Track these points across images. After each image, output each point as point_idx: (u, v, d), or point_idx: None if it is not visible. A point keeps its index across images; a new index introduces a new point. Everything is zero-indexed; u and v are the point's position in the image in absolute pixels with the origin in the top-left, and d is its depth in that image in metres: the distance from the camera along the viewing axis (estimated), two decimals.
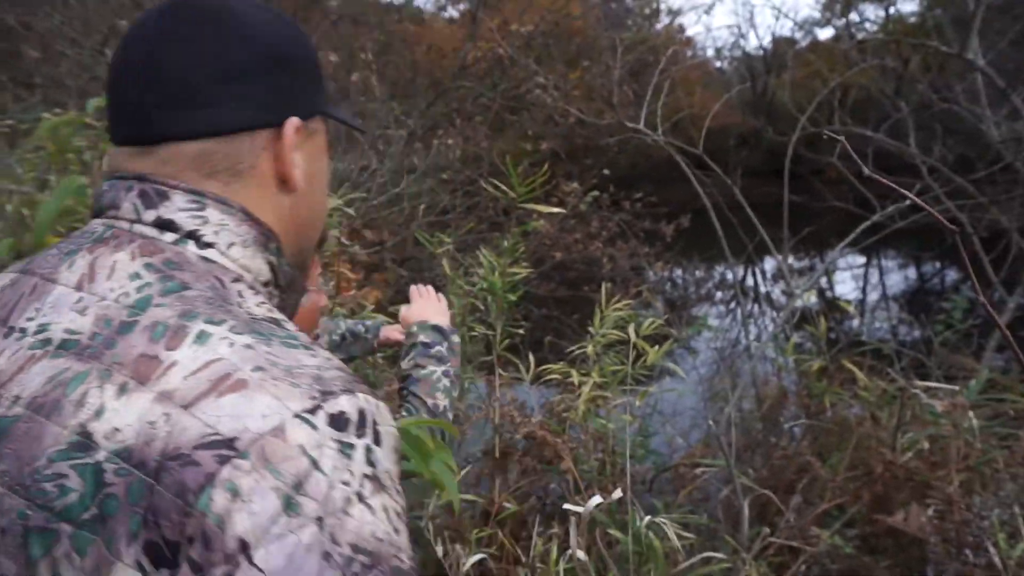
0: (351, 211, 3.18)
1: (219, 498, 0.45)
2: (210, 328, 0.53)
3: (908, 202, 1.92)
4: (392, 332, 1.62)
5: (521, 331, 2.65)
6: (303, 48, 0.70)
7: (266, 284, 0.66)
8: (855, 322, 5.82)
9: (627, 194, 6.51)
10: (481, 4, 6.74)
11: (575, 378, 2.51)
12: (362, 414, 0.53)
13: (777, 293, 8.42)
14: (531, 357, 2.65)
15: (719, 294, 9.18)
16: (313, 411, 0.50)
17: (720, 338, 4.76)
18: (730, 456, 1.96)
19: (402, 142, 4.44)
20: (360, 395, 0.55)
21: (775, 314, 7.13)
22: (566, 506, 1.24)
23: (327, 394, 0.52)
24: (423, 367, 1.24)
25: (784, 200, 2.83)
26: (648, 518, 1.52)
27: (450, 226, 4.75)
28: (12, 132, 2.86)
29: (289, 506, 0.46)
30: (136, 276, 0.57)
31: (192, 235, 0.61)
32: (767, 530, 1.79)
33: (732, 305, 8.67)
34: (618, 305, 2.79)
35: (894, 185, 0.92)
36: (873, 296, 8.84)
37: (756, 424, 2.76)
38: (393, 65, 6.39)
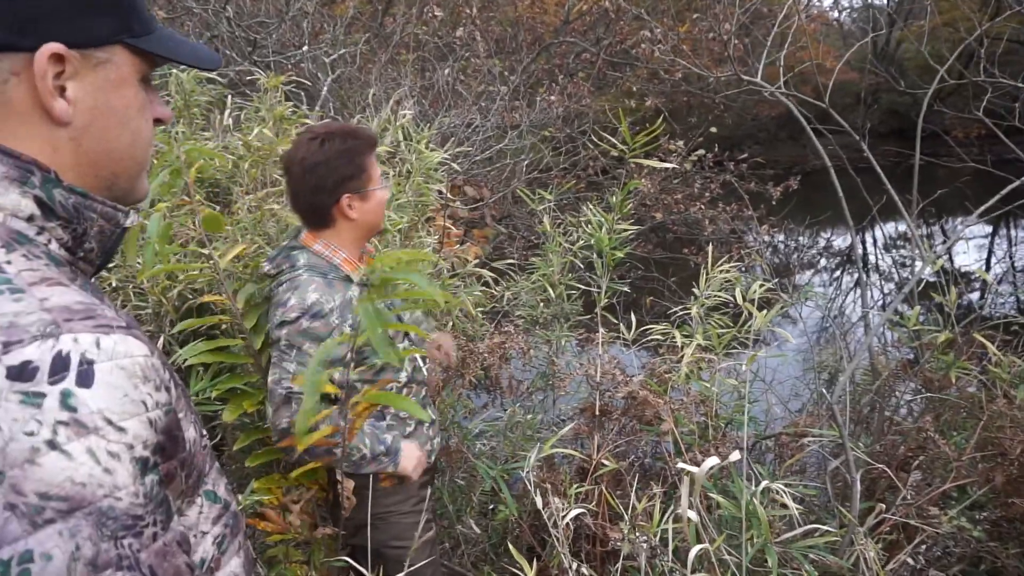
0: (456, 166, 3.21)
1: None
2: None
3: None
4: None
5: (626, 288, 2.60)
6: None
7: (31, 219, 0.64)
8: (975, 295, 5.42)
9: (731, 154, 6.26)
10: None
11: (678, 339, 2.46)
12: (61, 357, 0.53)
13: (888, 262, 7.93)
14: (632, 317, 2.61)
15: (824, 261, 8.74)
16: None
17: (827, 306, 4.54)
18: (843, 427, 1.87)
19: (504, 99, 4.42)
20: (65, 336, 0.54)
21: (884, 284, 6.73)
22: (680, 464, 1.22)
23: (9, 344, 0.52)
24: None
25: (915, 159, 2.62)
26: (765, 483, 1.48)
27: (550, 184, 4.72)
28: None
29: None
30: None
31: None
32: (882, 506, 1.71)
33: (837, 273, 8.24)
34: (724, 267, 2.70)
35: None
36: (998, 269, 8.19)
37: (866, 396, 2.63)
38: (496, 21, 6.32)
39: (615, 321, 2.88)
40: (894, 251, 8.04)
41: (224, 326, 2.20)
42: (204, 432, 0.79)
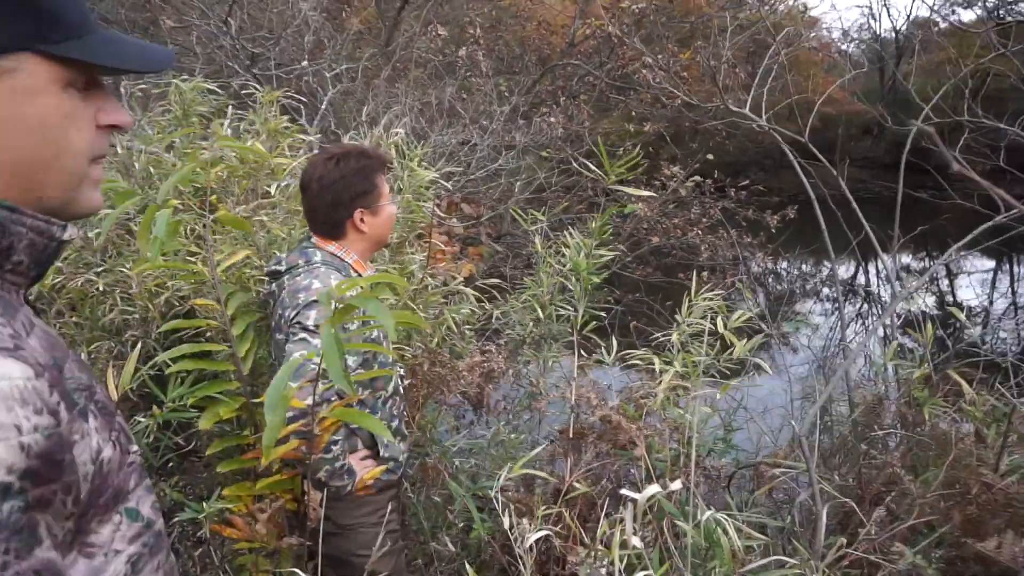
0: (447, 185, 3.25)
1: None
2: None
3: None
4: None
5: (603, 314, 2.63)
6: None
7: None
8: (977, 330, 5.40)
9: (733, 181, 6.29)
10: None
11: (657, 365, 2.47)
12: None
13: (887, 294, 7.91)
14: (614, 340, 2.63)
15: (825, 290, 8.73)
16: None
17: (818, 337, 4.54)
18: (811, 459, 1.89)
19: (503, 118, 4.47)
20: None
21: (880, 316, 6.72)
22: (622, 491, 1.24)
23: None
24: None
25: (898, 194, 2.65)
26: (709, 513, 1.49)
27: (547, 204, 4.76)
28: (144, 96, 3.09)
29: None
30: None
31: None
32: (843, 540, 1.72)
33: (836, 303, 8.23)
34: (708, 294, 2.72)
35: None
36: (1001, 304, 8.15)
37: (842, 429, 2.63)
38: (503, 41, 6.40)
39: (600, 343, 2.90)
40: (897, 283, 8.02)
41: (209, 333, 2.24)
42: (134, 449, 0.79)
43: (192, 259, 2.30)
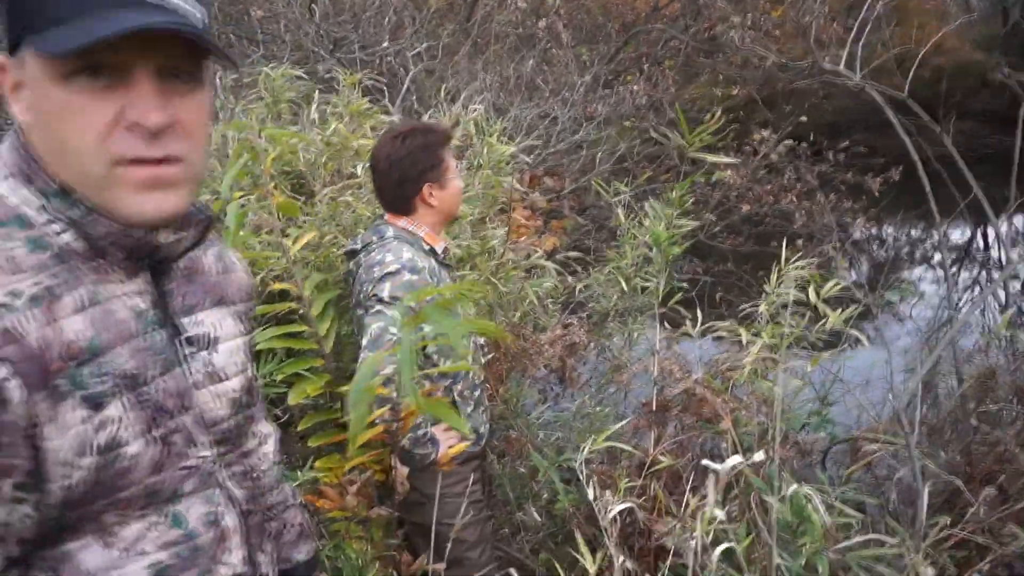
0: (527, 159, 3.24)
1: None
2: None
3: None
4: None
5: (686, 285, 2.56)
6: None
7: (42, 209, 0.68)
8: None
9: (831, 143, 5.94)
10: None
11: (743, 337, 2.39)
12: None
13: (1004, 259, 7.29)
14: (699, 312, 2.56)
15: (936, 256, 8.14)
16: None
17: (927, 306, 4.26)
18: (910, 434, 1.78)
19: (584, 89, 4.40)
20: None
21: (993, 282, 6.21)
22: (704, 462, 1.22)
23: None
24: None
25: (1016, 151, 2.42)
26: (794, 487, 1.44)
27: (630, 174, 4.66)
28: (236, 84, 3.23)
29: None
30: None
31: None
32: (947, 519, 1.62)
33: (953, 270, 7.67)
34: (799, 263, 2.60)
35: None
36: None
37: (947, 403, 2.47)
38: (585, 9, 6.27)
39: (687, 315, 2.83)
40: (1014, 248, 7.39)
41: (301, 311, 2.34)
42: (202, 454, 0.77)
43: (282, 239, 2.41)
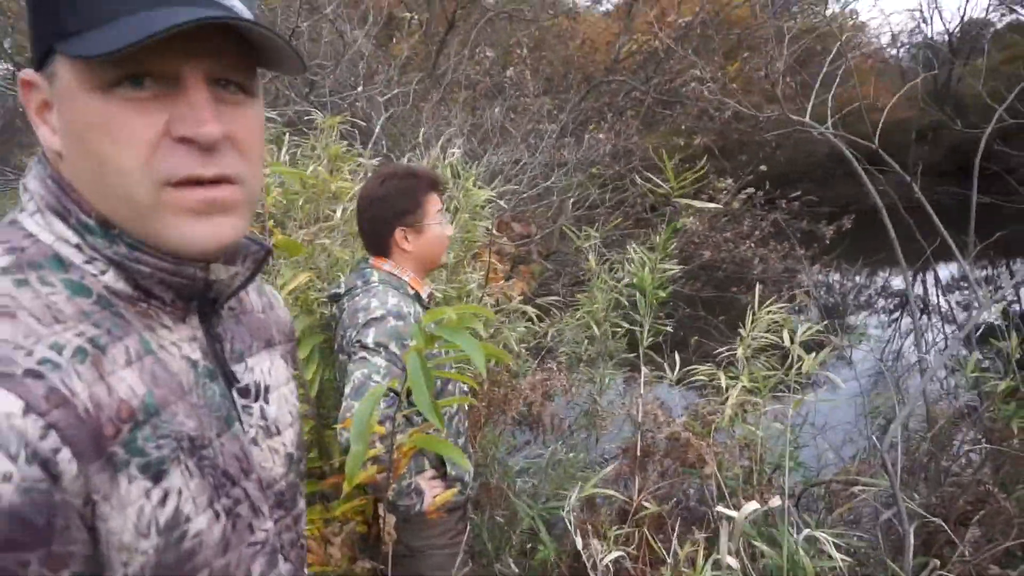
0: (503, 203, 3.26)
1: None
2: None
3: None
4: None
5: (668, 328, 2.59)
6: None
7: (79, 247, 0.60)
8: None
9: (783, 192, 6.17)
10: None
11: (722, 381, 2.42)
12: None
13: (946, 306, 7.62)
14: (676, 357, 2.59)
15: (881, 302, 8.46)
16: None
17: (881, 349, 4.39)
18: (895, 478, 1.81)
19: (553, 136, 4.49)
20: None
21: (946, 328, 6.48)
22: (719, 508, 1.21)
23: None
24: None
25: (972, 199, 2.55)
26: (806, 531, 1.44)
27: (596, 221, 4.74)
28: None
29: None
30: None
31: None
32: (936, 562, 1.64)
33: (895, 316, 7.97)
34: (772, 308, 2.66)
35: None
36: None
37: (922, 445, 2.53)
38: (547, 60, 6.44)
39: (660, 360, 2.85)
40: (953, 294, 7.75)
41: None
42: (266, 527, 0.67)
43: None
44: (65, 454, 0.51)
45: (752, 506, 1.18)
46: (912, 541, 1.80)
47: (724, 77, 4.97)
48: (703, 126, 5.85)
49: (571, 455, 3.06)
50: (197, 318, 0.67)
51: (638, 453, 2.30)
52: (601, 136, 4.75)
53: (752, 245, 5.46)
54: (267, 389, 0.74)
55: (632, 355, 3.56)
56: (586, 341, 3.53)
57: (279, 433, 0.74)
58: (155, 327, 0.62)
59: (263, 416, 0.72)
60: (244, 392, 0.70)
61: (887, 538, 2.07)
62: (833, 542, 1.78)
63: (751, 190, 4.82)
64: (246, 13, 0.59)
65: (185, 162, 0.57)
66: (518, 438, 3.57)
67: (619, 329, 3.45)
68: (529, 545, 2.84)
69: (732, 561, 1.16)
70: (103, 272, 0.60)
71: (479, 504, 2.72)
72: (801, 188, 6.45)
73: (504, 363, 2.53)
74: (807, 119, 2.53)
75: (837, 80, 3.34)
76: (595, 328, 3.39)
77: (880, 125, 2.56)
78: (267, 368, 0.75)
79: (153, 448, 0.56)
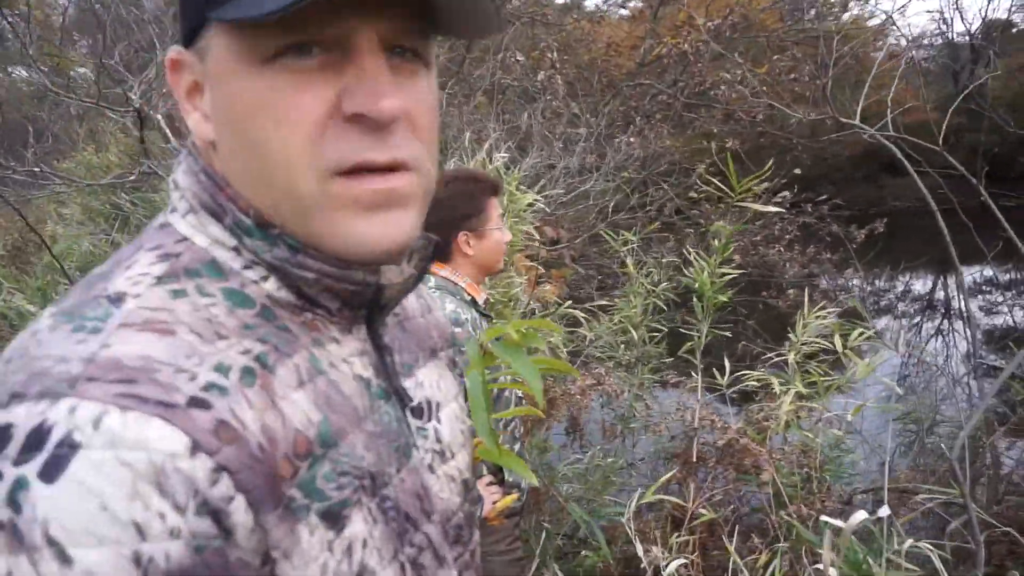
0: (546, 207, 3.25)
1: None
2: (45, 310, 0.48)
3: None
4: None
5: (728, 334, 2.56)
6: None
7: (237, 250, 0.52)
8: None
9: (807, 195, 6.12)
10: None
11: (776, 387, 2.40)
12: (42, 432, 0.38)
13: (975, 309, 7.52)
14: (725, 362, 2.56)
15: (901, 306, 8.36)
16: None
17: (917, 354, 4.33)
18: (965, 486, 1.78)
19: (582, 141, 4.48)
20: (64, 402, 0.39)
21: (974, 333, 6.39)
22: (824, 518, 1.18)
23: (14, 397, 0.40)
24: None
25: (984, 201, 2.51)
26: (910, 541, 1.41)
27: (621, 225, 4.72)
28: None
29: None
30: None
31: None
32: (1015, 573, 1.61)
33: (916, 320, 7.87)
34: (821, 312, 2.63)
35: None
36: None
37: (981, 453, 2.49)
38: (571, 64, 6.44)
39: (699, 365, 2.82)
40: (980, 297, 7.64)
41: None
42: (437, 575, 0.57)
43: None
44: (240, 503, 0.42)
45: (861, 515, 1.16)
46: (983, 554, 1.76)
47: (756, 79, 4.94)
48: (730, 129, 5.81)
49: (610, 460, 3.03)
50: (365, 328, 0.58)
51: (693, 459, 2.28)
52: (632, 140, 4.74)
53: (780, 249, 5.41)
54: (438, 406, 0.64)
55: (669, 360, 3.54)
56: (623, 346, 3.51)
57: (453, 457, 0.64)
58: (323, 341, 0.53)
59: (438, 439, 0.62)
60: (417, 412, 0.61)
61: (957, 549, 2.03)
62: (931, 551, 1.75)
63: (786, 194, 4.79)
64: None
65: (356, 146, 0.48)
66: (555, 442, 3.56)
67: (656, 333, 3.43)
68: (571, 551, 2.82)
69: (834, 572, 1.14)
70: (264, 279, 0.52)
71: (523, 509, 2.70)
72: (821, 191, 6.40)
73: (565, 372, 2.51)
74: (856, 121, 2.50)
75: (868, 82, 3.31)
76: (632, 332, 3.37)
77: (896, 121, 2.52)
78: (436, 381, 0.66)
79: (333, 489, 0.48)
